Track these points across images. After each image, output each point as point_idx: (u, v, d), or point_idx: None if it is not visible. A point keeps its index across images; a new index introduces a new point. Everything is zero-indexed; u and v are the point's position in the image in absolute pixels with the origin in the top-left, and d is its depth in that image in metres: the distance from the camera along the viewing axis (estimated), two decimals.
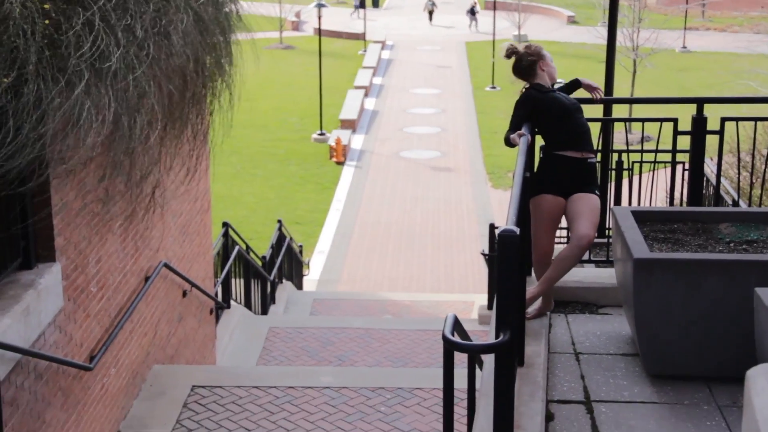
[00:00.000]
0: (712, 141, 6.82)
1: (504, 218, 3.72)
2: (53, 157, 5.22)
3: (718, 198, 7.37)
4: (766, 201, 7.61)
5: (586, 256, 7.06)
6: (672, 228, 5.35)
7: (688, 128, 6.70)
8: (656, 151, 7.03)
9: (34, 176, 5.03)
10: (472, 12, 53.47)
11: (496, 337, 3.39)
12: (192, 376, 8.13)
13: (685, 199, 7.21)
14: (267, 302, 13.39)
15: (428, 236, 22.15)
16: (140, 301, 7.23)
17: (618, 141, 10.56)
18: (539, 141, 5.65)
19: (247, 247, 12.89)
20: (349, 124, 31.75)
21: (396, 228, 22.71)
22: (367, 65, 41.69)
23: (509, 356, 3.37)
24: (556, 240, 5.89)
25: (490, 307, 12.48)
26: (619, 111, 26.73)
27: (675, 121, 6.75)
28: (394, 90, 38.68)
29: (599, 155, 7.26)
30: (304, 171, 27.47)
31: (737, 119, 6.82)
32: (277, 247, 14.85)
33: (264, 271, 13.18)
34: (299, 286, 17.12)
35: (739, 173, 7.84)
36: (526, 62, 5.53)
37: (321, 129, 30.80)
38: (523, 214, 4.60)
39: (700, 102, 6.71)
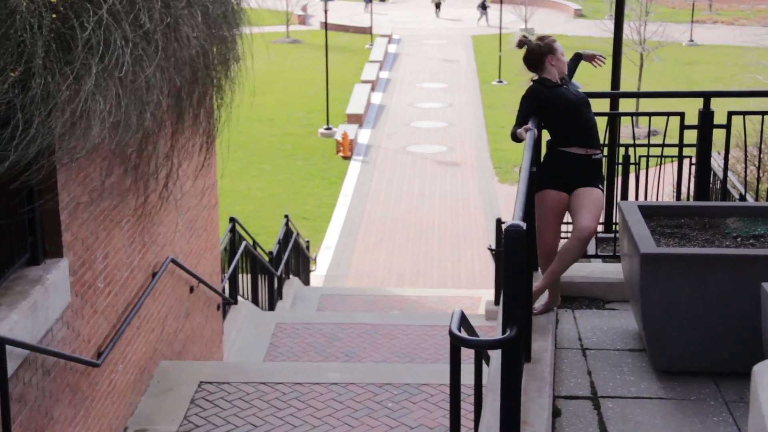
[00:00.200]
0: (719, 135, 6.79)
1: (511, 213, 3.71)
2: (60, 148, 5.23)
3: (725, 192, 7.35)
4: None
5: (592, 251, 7.05)
6: (679, 223, 5.33)
7: (695, 122, 6.68)
8: (663, 146, 7.00)
9: (42, 169, 5.03)
10: (483, 6, 53.34)
11: (503, 332, 3.38)
12: (199, 372, 8.14)
13: (692, 193, 7.19)
14: (274, 298, 13.40)
15: (435, 231, 22.14)
16: (147, 296, 7.24)
17: (625, 135, 10.53)
18: (546, 135, 5.63)
19: (254, 242, 12.91)
20: (356, 119, 31.73)
21: (403, 223, 22.70)
22: (373, 59, 41.67)
23: (516, 352, 3.36)
24: (562, 234, 5.88)
25: (497, 302, 12.47)
26: (625, 105, 26.68)
27: (682, 115, 6.72)
28: (401, 84, 38.65)
29: (606, 149, 7.24)
30: (310, 166, 27.48)
31: (744, 113, 6.80)
32: (284, 242, 14.86)
33: (271, 267, 13.19)
34: (306, 282, 17.13)
35: (746, 167, 7.82)
36: (537, 54, 5.50)
37: (328, 123, 30.80)
38: (529, 209, 4.59)
39: (707, 96, 6.69)
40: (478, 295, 15.63)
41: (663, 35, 31.62)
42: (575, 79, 5.75)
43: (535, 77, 5.55)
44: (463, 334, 3.70)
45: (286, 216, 15.85)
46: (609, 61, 8.82)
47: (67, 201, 5.60)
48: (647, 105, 27.63)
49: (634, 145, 7.40)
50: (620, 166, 7.61)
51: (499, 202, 24.10)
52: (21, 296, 5.16)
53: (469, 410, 5.47)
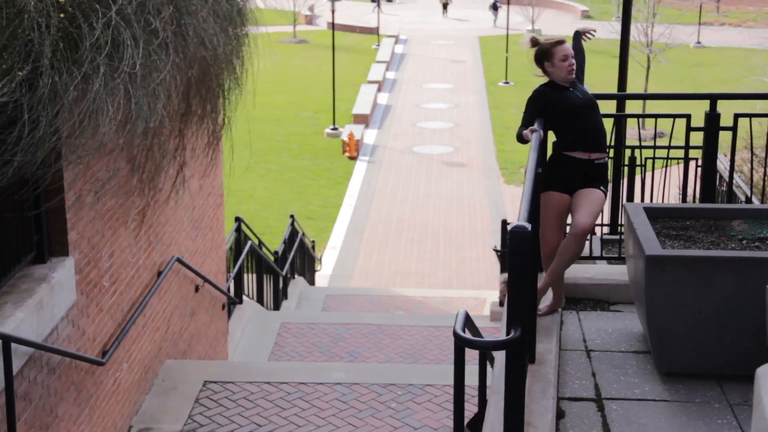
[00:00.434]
0: (725, 137, 6.78)
1: (516, 214, 3.71)
2: (67, 149, 5.24)
3: (730, 195, 7.34)
4: None
5: (597, 253, 7.05)
6: (684, 225, 5.33)
7: (702, 124, 6.67)
8: (669, 147, 7.00)
9: (50, 169, 5.05)
10: (495, 7, 53.30)
11: (507, 333, 3.38)
12: (204, 371, 8.16)
13: (697, 195, 7.18)
14: (279, 297, 13.41)
15: (440, 232, 22.13)
16: (153, 295, 7.26)
17: (631, 137, 10.53)
18: (552, 137, 5.63)
19: (260, 242, 12.92)
20: (362, 119, 31.74)
21: (408, 223, 22.70)
22: (380, 60, 41.68)
23: (520, 353, 3.36)
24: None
25: (502, 303, 12.46)
26: (632, 107, 26.62)
27: (688, 117, 6.72)
28: (408, 85, 38.65)
29: (612, 151, 7.24)
30: (316, 166, 27.50)
31: (751, 115, 6.79)
32: (289, 242, 14.87)
33: (276, 267, 13.20)
34: (311, 282, 17.14)
35: (752, 170, 7.80)
36: (536, 57, 5.51)
37: (334, 124, 30.81)
38: (535, 210, 4.59)
39: (714, 98, 6.68)
40: (483, 296, 15.62)
41: (670, 37, 31.57)
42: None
43: (541, 75, 5.55)
44: (468, 335, 3.70)
45: (292, 216, 15.86)
46: (616, 62, 8.82)
47: (74, 199, 5.62)
48: (654, 107, 27.60)
49: (640, 147, 7.40)
50: (626, 168, 7.61)
51: (504, 203, 24.09)
52: (27, 294, 5.17)
53: (472, 411, 5.47)
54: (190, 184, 8.08)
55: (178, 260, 7.91)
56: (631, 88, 12.34)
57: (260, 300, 12.27)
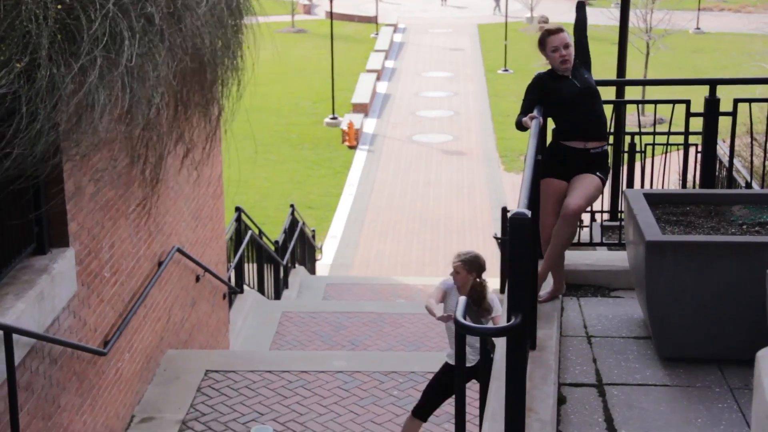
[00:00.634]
0: (724, 123, 6.78)
1: (516, 202, 3.71)
2: (67, 142, 5.24)
3: (730, 180, 7.34)
4: None
5: (598, 239, 7.05)
6: (684, 210, 5.33)
7: (701, 110, 6.67)
8: (669, 134, 6.99)
9: (49, 163, 5.05)
10: None
11: (508, 320, 3.39)
12: (205, 360, 8.17)
13: (697, 181, 7.18)
14: (280, 287, 13.43)
15: (441, 220, 22.14)
16: (153, 286, 7.27)
17: (630, 123, 10.52)
18: (551, 124, 5.62)
19: (260, 231, 12.93)
20: (362, 108, 31.70)
21: (408, 212, 22.71)
22: (379, 48, 41.59)
23: (521, 339, 3.37)
24: None
25: (502, 290, 12.47)
26: (631, 93, 26.59)
27: (688, 102, 6.71)
28: (406, 73, 38.59)
29: (612, 137, 7.23)
30: (316, 155, 27.48)
31: (750, 100, 6.78)
32: (289, 231, 14.87)
33: (277, 256, 13.21)
34: (312, 271, 17.16)
35: (752, 155, 7.80)
36: (538, 44, 5.48)
37: (333, 113, 30.78)
38: (534, 198, 4.59)
39: (713, 83, 6.67)
40: None
41: (669, 23, 31.50)
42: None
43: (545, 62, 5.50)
44: (469, 322, 3.71)
45: (292, 205, 15.86)
46: (615, 49, 8.81)
47: (73, 191, 5.62)
48: (653, 93, 27.57)
49: (640, 133, 7.39)
50: (626, 155, 7.60)
51: (504, 190, 24.08)
52: (28, 285, 5.18)
53: (474, 398, 5.48)
54: (190, 175, 8.09)
55: (179, 250, 7.92)
56: (631, 74, 12.33)
57: (261, 289, 12.29)
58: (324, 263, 19.36)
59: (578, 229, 7.09)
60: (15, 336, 4.85)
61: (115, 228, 6.44)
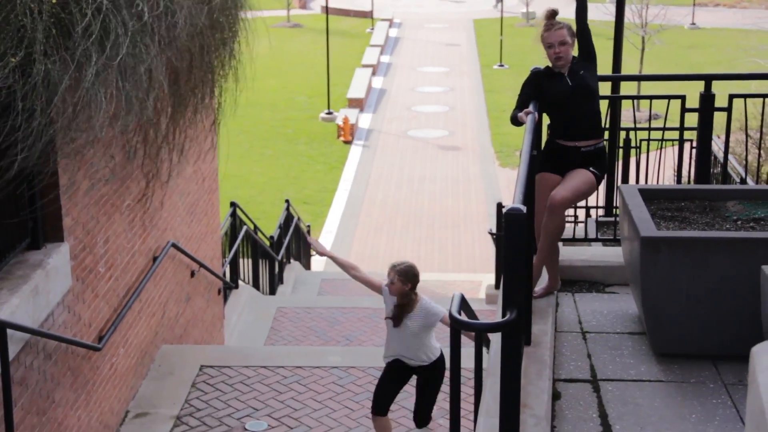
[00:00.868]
0: (720, 118, 6.78)
1: (511, 197, 3.71)
2: (62, 138, 5.23)
3: (725, 176, 7.35)
4: None
5: (592, 234, 7.06)
6: (679, 206, 5.33)
7: (696, 105, 6.67)
8: (664, 129, 7.00)
9: (44, 157, 5.03)
10: None
11: (503, 315, 3.39)
12: (200, 355, 8.17)
13: (692, 177, 7.19)
14: (275, 282, 13.42)
15: (436, 215, 22.15)
16: (148, 281, 7.26)
17: (626, 119, 10.53)
18: (547, 119, 5.62)
19: (255, 227, 12.92)
20: (357, 103, 31.68)
21: (404, 207, 22.70)
22: (374, 43, 41.55)
23: (516, 335, 3.37)
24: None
25: (497, 286, 12.48)
26: (626, 88, 26.61)
27: (683, 98, 6.71)
28: (402, 68, 38.56)
29: (607, 133, 7.23)
30: (312, 150, 27.46)
31: (745, 96, 6.78)
32: (284, 227, 14.86)
33: (272, 251, 13.20)
34: (307, 266, 17.15)
35: (747, 151, 7.81)
36: None
37: (329, 108, 30.75)
38: (530, 193, 4.58)
39: (709, 79, 6.67)
40: (478, 279, 15.65)
41: (665, 18, 31.52)
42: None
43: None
44: (464, 318, 3.71)
45: (287, 200, 15.84)
46: (610, 44, 8.80)
47: (68, 185, 5.60)
48: (648, 88, 27.57)
49: (635, 129, 7.39)
50: (621, 150, 7.61)
51: (499, 186, 24.10)
52: (22, 280, 5.17)
53: (469, 393, 5.49)
54: (185, 170, 8.07)
55: (174, 245, 7.91)
56: (626, 70, 12.32)
57: (256, 285, 12.28)
58: (319, 258, 19.36)
59: (574, 224, 7.11)
60: (9, 331, 4.84)
61: (109, 223, 6.43)
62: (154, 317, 7.63)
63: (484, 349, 4.58)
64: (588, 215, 7.42)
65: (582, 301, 5.64)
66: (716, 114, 6.71)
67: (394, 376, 6.49)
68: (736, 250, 4.63)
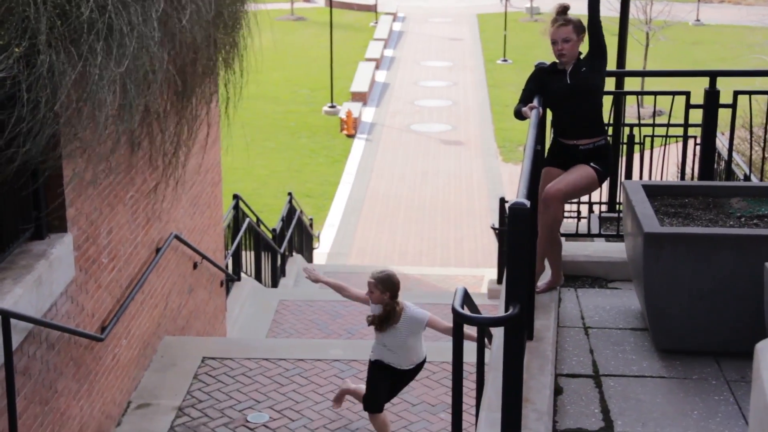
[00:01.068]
0: (724, 115, 6.77)
1: (514, 192, 3.71)
2: (66, 130, 5.23)
3: (729, 172, 7.34)
4: None
5: (595, 230, 7.05)
6: (683, 202, 5.33)
7: (701, 102, 6.66)
8: (668, 125, 6.98)
9: (52, 152, 5.04)
10: None
11: (506, 310, 3.39)
12: (202, 347, 8.18)
13: (696, 173, 7.18)
14: (277, 275, 13.43)
15: (438, 210, 22.14)
16: (151, 272, 7.27)
17: (630, 115, 10.53)
18: (550, 114, 5.61)
19: (258, 219, 12.93)
20: (360, 97, 31.66)
21: (406, 201, 22.70)
22: (378, 37, 41.51)
23: (519, 330, 3.37)
24: (565, 214, 5.88)
25: (499, 281, 12.49)
26: (631, 84, 26.54)
27: (687, 94, 6.70)
28: (405, 62, 38.52)
29: (611, 129, 7.22)
30: (314, 144, 27.45)
31: (750, 92, 6.77)
32: (287, 219, 14.87)
33: (274, 244, 13.21)
34: (309, 259, 17.16)
35: (751, 148, 7.80)
36: None
37: (332, 101, 30.73)
38: (534, 188, 4.58)
39: (713, 75, 6.66)
40: (480, 274, 15.65)
41: (669, 15, 31.45)
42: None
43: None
44: (466, 312, 3.71)
45: (290, 193, 15.85)
46: (615, 40, 8.78)
47: (72, 176, 5.60)
48: (652, 84, 27.54)
49: (639, 125, 7.38)
50: (625, 146, 7.59)
51: (502, 181, 24.09)
52: (25, 270, 5.18)
53: (471, 387, 5.50)
54: (188, 162, 8.07)
55: (177, 237, 7.91)
56: (630, 66, 12.31)
57: (258, 277, 12.29)
58: (321, 252, 19.37)
59: (577, 220, 7.10)
60: (13, 321, 4.85)
61: (113, 214, 6.44)
62: (156, 308, 7.64)
63: (486, 343, 4.59)
64: (591, 211, 7.41)
65: (584, 297, 5.64)
66: (720, 110, 6.70)
67: (383, 375, 6.53)
68: (739, 246, 4.62)
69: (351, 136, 28.21)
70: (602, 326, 5.24)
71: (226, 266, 10.48)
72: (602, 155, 5.28)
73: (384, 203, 22.63)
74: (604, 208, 7.67)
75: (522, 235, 3.40)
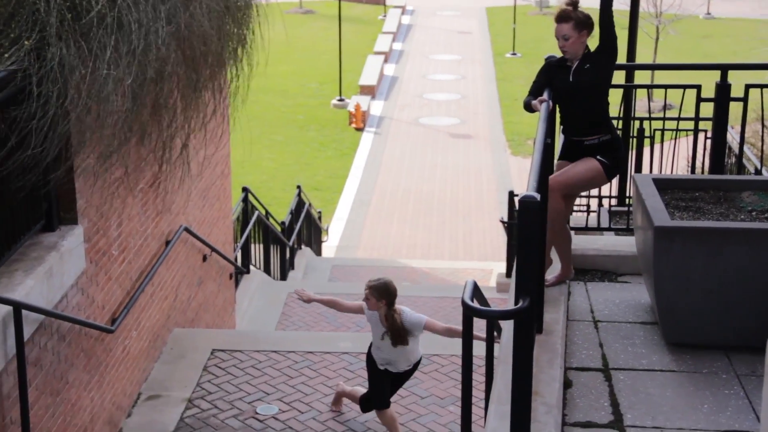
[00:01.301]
0: (735, 108, 6.75)
1: (523, 186, 3.71)
2: (77, 123, 5.24)
3: (740, 166, 7.32)
4: None
5: (605, 224, 7.05)
6: (693, 196, 5.32)
7: (712, 95, 6.63)
8: (678, 119, 6.97)
9: (62, 145, 5.06)
10: None
11: (516, 303, 3.39)
12: (212, 339, 8.21)
13: (706, 167, 7.16)
14: (286, 268, 13.45)
15: (447, 203, 22.13)
16: (161, 264, 7.29)
17: (640, 108, 10.50)
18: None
19: (267, 212, 12.94)
20: (369, 90, 31.63)
21: (415, 195, 22.69)
22: (387, 30, 41.44)
23: (528, 323, 3.37)
24: (575, 208, 5.88)
25: (508, 275, 12.49)
26: (641, 78, 26.47)
27: (698, 88, 6.68)
28: (414, 56, 38.47)
29: (620, 122, 7.21)
30: (323, 137, 27.45)
31: (762, 86, 6.74)
32: (296, 212, 14.89)
33: (283, 237, 13.22)
34: (318, 252, 17.18)
35: (762, 141, 7.77)
36: None
37: (340, 95, 30.71)
38: (544, 181, 4.58)
39: (724, 68, 6.64)
40: (489, 268, 15.64)
41: (680, 8, 31.31)
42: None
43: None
44: (476, 305, 3.71)
45: (299, 186, 15.86)
46: (625, 34, 8.76)
47: (82, 168, 5.62)
48: (663, 78, 27.43)
49: (650, 119, 7.37)
50: (635, 140, 7.58)
51: (511, 174, 24.04)
52: (36, 262, 5.20)
53: (480, 381, 5.50)
54: (197, 155, 8.09)
55: (186, 229, 7.93)
56: (640, 59, 12.27)
57: (267, 270, 12.31)
58: (330, 245, 19.38)
59: (587, 214, 7.09)
60: (24, 312, 4.87)
61: (123, 206, 6.46)
62: (166, 301, 7.66)
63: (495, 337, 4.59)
64: (600, 204, 7.42)
65: (594, 290, 5.64)
66: (732, 104, 6.68)
67: (383, 373, 6.66)
68: (750, 240, 4.61)
69: (360, 130, 28.19)
70: (612, 320, 5.24)
71: (235, 259, 10.50)
72: (609, 149, 5.24)
73: (393, 196, 22.62)
74: (613, 201, 7.67)
75: (532, 229, 3.40)
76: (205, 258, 8.74)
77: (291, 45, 37.19)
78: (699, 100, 6.68)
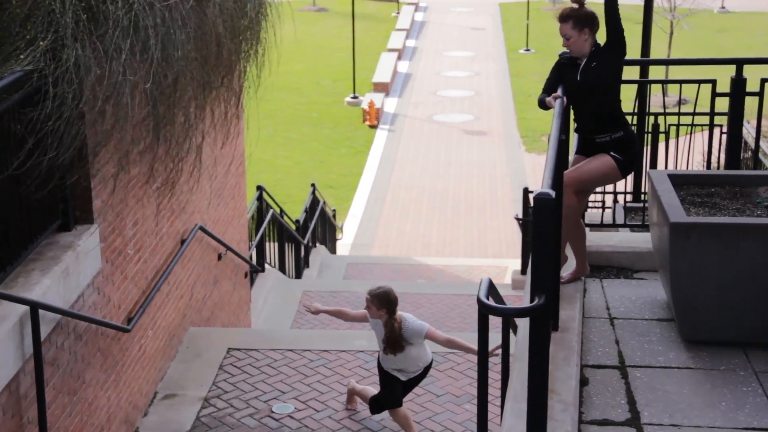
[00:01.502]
0: (751, 103, 6.70)
1: (537, 182, 3.70)
2: (92, 123, 5.27)
3: (756, 161, 7.28)
4: None
5: (621, 220, 7.02)
6: (709, 192, 5.29)
7: (727, 90, 6.59)
8: (693, 114, 6.93)
9: (78, 146, 5.08)
10: None
11: (531, 300, 3.38)
12: (228, 338, 8.23)
13: (722, 162, 7.12)
14: (301, 266, 13.47)
15: (461, 200, 22.10)
16: (176, 263, 7.31)
17: (654, 104, 10.45)
18: None
19: (281, 210, 12.96)
20: (383, 87, 31.62)
21: (429, 192, 22.68)
22: (400, 27, 41.41)
23: (544, 320, 3.36)
24: (589, 204, 5.85)
25: (523, 272, 12.46)
26: (655, 73, 26.36)
27: (713, 82, 6.64)
28: (428, 52, 38.43)
29: (635, 118, 7.18)
30: (337, 134, 27.46)
31: None
32: (310, 210, 14.90)
33: (298, 235, 13.24)
34: (333, 250, 17.19)
35: None
36: None
37: (354, 92, 30.72)
38: (559, 178, 4.56)
39: (740, 63, 6.59)
40: (504, 265, 15.61)
41: (694, 2, 31.14)
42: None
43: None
44: (492, 302, 3.70)
45: (313, 184, 15.87)
46: (638, 29, 8.72)
47: (98, 168, 5.65)
48: (678, 73, 27.29)
49: (665, 114, 7.33)
50: (650, 135, 7.55)
51: (525, 171, 23.99)
52: (53, 262, 5.23)
53: (495, 378, 5.49)
54: (212, 153, 8.10)
55: (201, 228, 7.95)
56: (654, 54, 12.22)
57: (282, 268, 12.33)
58: (344, 243, 19.39)
59: (602, 210, 7.07)
60: (41, 312, 4.90)
61: (138, 205, 6.48)
62: (182, 300, 7.68)
63: (511, 335, 4.58)
64: (616, 201, 7.38)
65: (610, 287, 5.62)
66: (747, 99, 6.64)
67: (393, 379, 6.71)
68: (767, 236, 4.58)
69: (373, 127, 28.19)
70: (628, 317, 5.22)
71: (250, 257, 10.52)
72: (623, 146, 5.20)
73: (407, 194, 22.61)
74: (629, 197, 7.64)
75: (547, 226, 3.38)
76: (220, 257, 8.77)
77: (304, 43, 37.25)
78: (714, 94, 6.64)
